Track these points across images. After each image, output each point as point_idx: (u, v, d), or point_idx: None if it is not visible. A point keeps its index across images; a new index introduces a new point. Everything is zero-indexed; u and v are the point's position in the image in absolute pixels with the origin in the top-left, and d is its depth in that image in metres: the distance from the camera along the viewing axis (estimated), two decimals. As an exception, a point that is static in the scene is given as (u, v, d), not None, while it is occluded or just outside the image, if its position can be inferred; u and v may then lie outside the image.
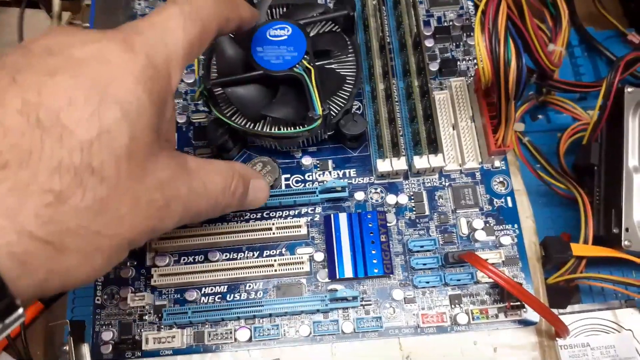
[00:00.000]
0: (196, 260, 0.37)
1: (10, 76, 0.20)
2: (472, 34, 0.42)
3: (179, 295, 0.37)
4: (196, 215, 0.27)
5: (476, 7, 0.44)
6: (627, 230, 0.39)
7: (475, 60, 0.42)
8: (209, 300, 0.36)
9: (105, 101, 0.21)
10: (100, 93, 0.21)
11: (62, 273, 0.20)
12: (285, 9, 0.40)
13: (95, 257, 0.21)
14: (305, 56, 0.35)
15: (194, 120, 0.41)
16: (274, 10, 0.40)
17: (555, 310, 0.41)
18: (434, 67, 0.41)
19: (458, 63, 0.41)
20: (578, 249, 0.39)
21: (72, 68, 0.21)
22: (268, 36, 0.36)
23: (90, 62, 0.21)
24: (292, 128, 0.36)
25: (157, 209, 0.24)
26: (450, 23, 0.43)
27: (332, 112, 0.36)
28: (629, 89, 0.41)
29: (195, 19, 0.25)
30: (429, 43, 0.42)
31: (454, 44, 0.42)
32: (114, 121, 0.21)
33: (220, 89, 0.37)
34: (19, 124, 0.19)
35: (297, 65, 0.35)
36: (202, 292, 0.37)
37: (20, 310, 0.19)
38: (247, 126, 0.37)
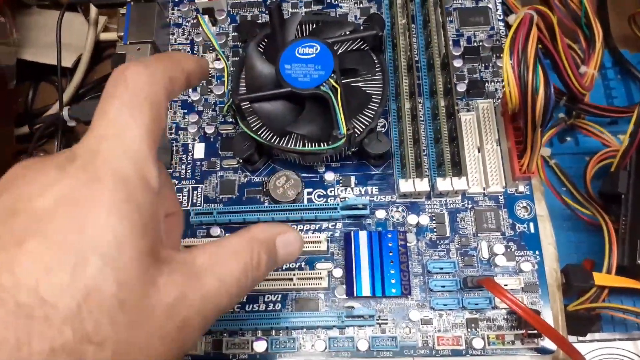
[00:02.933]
0: (217, 269, 0.38)
1: None
2: (501, 55, 0.42)
3: (199, 303, 0.37)
4: (220, 314, 0.24)
5: (507, 27, 0.44)
6: (652, 262, 0.38)
7: (503, 83, 0.41)
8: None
9: (82, 255, 0.19)
10: (74, 248, 0.19)
11: None
12: (314, 26, 0.40)
13: None
14: (333, 75, 0.36)
15: (222, 132, 0.42)
16: (304, 26, 0.40)
17: (574, 338, 0.41)
18: (461, 87, 0.41)
19: (486, 84, 0.41)
20: (600, 278, 0.38)
21: (39, 228, 0.19)
22: (297, 54, 0.36)
23: (57, 212, 0.19)
24: (317, 145, 0.37)
25: (173, 339, 0.21)
26: (480, 43, 0.43)
27: (356, 130, 0.37)
28: (662, 117, 0.40)
29: (140, 102, 0.22)
30: (457, 63, 0.41)
31: (483, 65, 0.42)
32: (97, 273, 0.19)
33: (248, 103, 0.38)
34: None
35: (324, 84, 0.36)
36: (222, 301, 0.37)
37: None
38: (272, 141, 0.37)
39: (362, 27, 0.41)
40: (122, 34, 0.43)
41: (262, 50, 0.39)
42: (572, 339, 0.41)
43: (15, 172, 0.21)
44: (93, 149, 0.21)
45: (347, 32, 0.39)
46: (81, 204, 0.19)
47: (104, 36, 0.55)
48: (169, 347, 0.21)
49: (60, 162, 0.21)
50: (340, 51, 0.39)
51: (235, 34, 0.44)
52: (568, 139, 0.49)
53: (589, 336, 0.42)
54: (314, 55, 0.36)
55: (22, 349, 0.17)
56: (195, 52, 0.45)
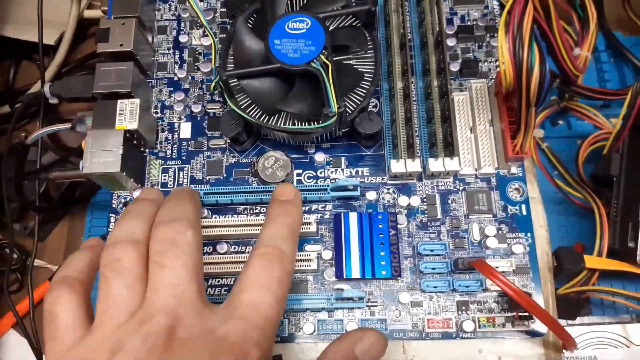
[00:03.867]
0: (205, 251, 0.37)
1: None
2: (495, 34, 0.41)
3: (185, 285, 0.36)
4: None
5: (501, 6, 0.43)
6: (643, 245, 0.38)
7: (497, 62, 0.41)
8: (215, 292, 0.36)
9: None
10: None
11: None
12: (305, 1, 0.39)
13: None
14: (324, 51, 0.35)
15: (209, 110, 0.41)
16: (294, 1, 0.39)
17: (564, 322, 0.41)
18: (454, 67, 0.40)
19: (480, 64, 0.41)
20: (591, 261, 0.38)
21: None
22: (287, 29, 0.35)
23: None
24: (307, 124, 0.36)
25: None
26: (474, 22, 0.42)
27: (347, 109, 0.36)
28: (656, 100, 0.40)
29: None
30: (451, 42, 0.41)
31: (477, 45, 0.41)
32: None
33: (236, 80, 0.37)
34: None
35: (314, 60, 0.35)
36: (209, 283, 0.37)
37: None
38: (261, 119, 0.36)
39: (354, 3, 0.40)
40: (107, 8, 0.41)
41: (251, 25, 0.38)
42: (561, 322, 0.41)
43: None
44: (238, 343, 0.24)
45: (339, 7, 0.37)
46: None
47: (89, 13, 0.53)
48: None
49: None
50: (331, 27, 0.38)
51: (224, 9, 0.43)
52: (560, 122, 0.49)
53: (578, 320, 0.42)
54: (304, 30, 0.35)
55: None
56: (181, 28, 0.43)
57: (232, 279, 0.37)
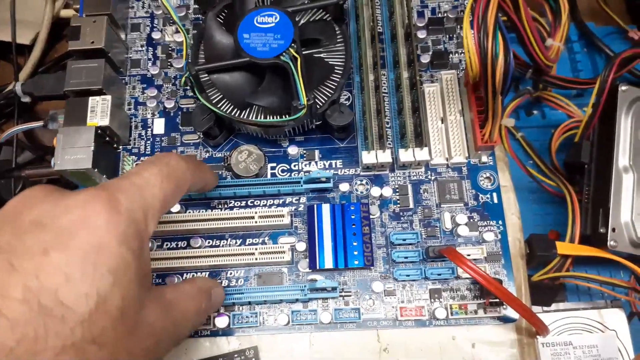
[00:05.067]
0: (178, 245, 0.37)
1: (7, 261, 0.21)
2: (465, 26, 0.42)
3: (160, 280, 0.37)
4: (180, 341, 0.32)
5: (472, -2, 0.43)
6: (613, 230, 0.38)
7: (466, 52, 0.41)
8: (190, 286, 0.36)
9: (98, 271, 0.22)
10: (92, 264, 0.22)
11: None
12: (275, -5, 0.39)
13: None
14: (293, 44, 0.35)
15: (182, 106, 0.41)
16: (264, -4, 0.39)
17: (539, 308, 0.41)
18: (425, 59, 0.40)
19: (450, 56, 0.41)
20: (563, 247, 0.39)
21: (63, 242, 0.23)
22: (255, 23, 0.35)
23: (79, 232, 0.23)
24: (278, 117, 0.36)
25: (150, 351, 0.26)
26: (445, 14, 0.42)
27: (318, 102, 0.36)
28: (623, 87, 0.40)
29: (171, 179, 0.28)
30: (421, 34, 0.41)
31: (447, 36, 0.42)
32: (108, 287, 0.23)
33: (206, 75, 0.37)
34: (23, 314, 0.20)
35: (283, 54, 0.35)
36: (184, 277, 0.37)
37: None
38: (232, 114, 0.37)
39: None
40: (79, 6, 0.41)
41: (222, 20, 0.38)
42: (537, 309, 0.42)
43: (37, 192, 0.25)
44: (122, 189, 0.25)
45: (308, 1, 0.38)
46: (99, 229, 0.23)
47: (65, 13, 0.53)
48: (146, 357, 0.26)
49: (89, 192, 0.25)
50: (302, 21, 0.38)
51: (196, 6, 0.43)
52: (535, 112, 0.49)
53: (553, 306, 0.42)
54: (273, 24, 0.35)
55: (39, 343, 0.20)
56: (155, 25, 0.44)
57: (207, 273, 0.37)
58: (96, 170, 0.36)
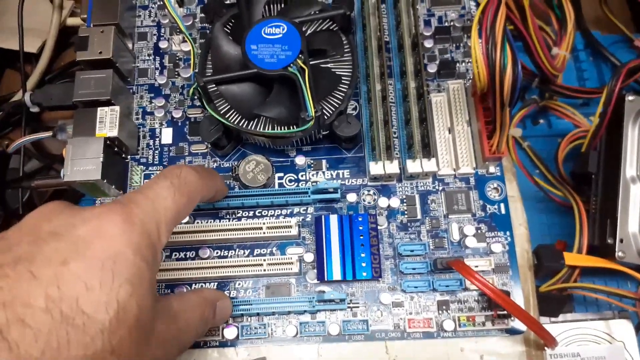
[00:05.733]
0: (187, 256, 0.37)
1: (28, 270, 0.22)
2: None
3: (169, 291, 0.37)
4: (184, 350, 0.32)
5: (479, 7, 0.43)
6: (621, 241, 0.38)
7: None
8: (198, 297, 0.36)
9: (117, 280, 0.23)
10: (110, 273, 0.23)
11: None
12: (282, 5, 0.39)
13: None
14: (300, 55, 0.35)
15: (189, 115, 0.41)
16: (271, 5, 0.39)
17: (546, 319, 0.41)
18: (432, 68, 0.40)
19: (457, 65, 0.41)
20: (571, 258, 0.39)
21: (79, 251, 0.23)
22: (263, 34, 0.35)
23: (94, 241, 0.23)
24: (286, 128, 0.36)
25: (158, 359, 0.27)
26: (451, 23, 0.42)
27: (325, 113, 0.36)
28: (630, 97, 0.40)
29: (182, 191, 0.28)
30: (428, 44, 0.41)
31: (454, 45, 0.42)
32: (127, 297, 0.23)
33: (214, 86, 0.37)
34: (46, 323, 0.21)
35: (291, 65, 0.35)
36: (192, 288, 0.37)
37: None
38: (240, 124, 0.37)
39: (330, 7, 0.40)
40: (86, 16, 0.41)
41: (229, 30, 0.38)
42: (544, 320, 0.42)
43: (54, 207, 0.26)
44: (136, 202, 0.26)
45: (316, 12, 0.38)
46: (115, 239, 0.24)
47: (71, 21, 0.53)
48: None
49: (105, 206, 0.25)
50: (308, 32, 0.38)
51: (203, 15, 0.43)
52: (541, 121, 0.49)
53: (561, 317, 0.42)
54: (280, 35, 0.35)
55: (62, 353, 0.20)
56: (162, 34, 0.44)
57: (215, 284, 0.37)
58: (105, 181, 0.36)
